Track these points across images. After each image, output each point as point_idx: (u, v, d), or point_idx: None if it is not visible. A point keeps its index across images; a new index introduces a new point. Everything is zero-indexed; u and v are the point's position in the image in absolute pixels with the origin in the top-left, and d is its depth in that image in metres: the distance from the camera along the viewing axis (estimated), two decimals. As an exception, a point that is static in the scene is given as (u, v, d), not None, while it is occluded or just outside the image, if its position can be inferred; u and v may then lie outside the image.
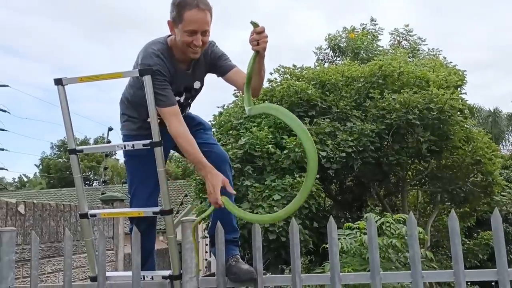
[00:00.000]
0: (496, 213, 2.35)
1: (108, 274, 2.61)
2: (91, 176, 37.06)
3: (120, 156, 35.13)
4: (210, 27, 2.40)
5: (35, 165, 38.21)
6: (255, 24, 2.31)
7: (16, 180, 38.54)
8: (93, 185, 34.93)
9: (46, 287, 2.99)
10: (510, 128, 25.45)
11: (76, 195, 2.69)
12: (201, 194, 8.93)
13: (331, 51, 14.79)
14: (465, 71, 12.53)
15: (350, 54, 13.74)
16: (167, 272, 2.60)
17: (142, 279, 2.55)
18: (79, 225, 4.20)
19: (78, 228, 4.21)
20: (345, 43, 14.14)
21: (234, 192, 2.40)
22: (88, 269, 4.42)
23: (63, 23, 58.32)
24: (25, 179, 38.64)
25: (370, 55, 13.51)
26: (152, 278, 2.61)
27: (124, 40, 61.76)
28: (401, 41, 15.55)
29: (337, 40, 14.37)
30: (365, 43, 13.72)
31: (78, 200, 2.66)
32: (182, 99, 2.60)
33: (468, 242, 14.74)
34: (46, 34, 55.41)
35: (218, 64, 2.61)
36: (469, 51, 54.76)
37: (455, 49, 52.49)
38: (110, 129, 9.27)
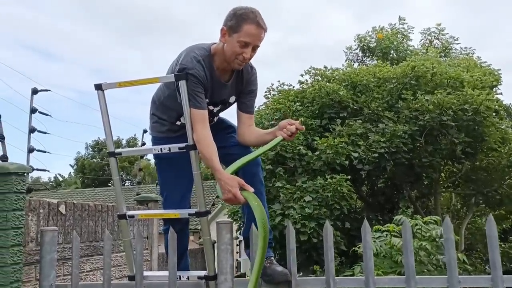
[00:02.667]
0: None
1: (145, 273, 2.67)
2: (123, 176, 37.66)
3: (151, 156, 35.53)
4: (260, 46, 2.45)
5: (70, 165, 39.08)
6: (302, 122, 2.53)
7: (52, 179, 39.49)
8: (125, 185, 35.47)
9: (86, 285, 3.07)
10: None
11: (115, 196, 2.75)
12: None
13: (361, 51, 14.65)
14: (499, 70, 12.24)
15: (379, 54, 13.56)
16: (202, 273, 2.63)
17: (178, 279, 2.59)
18: (116, 225, 4.28)
19: (115, 228, 4.29)
20: (374, 43, 13.97)
21: (253, 189, 2.37)
22: (124, 267, 4.51)
23: (96, 27, 59.63)
24: (60, 179, 39.55)
25: (400, 55, 13.32)
26: (188, 278, 2.65)
27: (154, 43, 62.64)
28: (433, 41, 15.27)
29: (366, 40, 14.21)
30: (394, 43, 13.52)
31: (117, 201, 2.73)
32: (215, 109, 2.63)
33: (503, 245, 14.39)
34: (80, 39, 56.70)
35: (245, 94, 2.66)
36: (504, 49, 53.25)
37: (489, 48, 51.03)
38: (145, 131, 9.46)
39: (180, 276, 2.62)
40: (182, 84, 2.39)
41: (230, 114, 2.87)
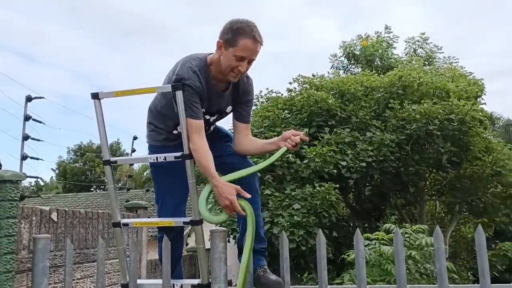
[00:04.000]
0: None
1: (139, 281, 2.67)
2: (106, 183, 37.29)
3: (136, 163, 35.23)
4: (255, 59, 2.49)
5: (52, 169, 38.33)
6: (306, 133, 2.59)
7: (33, 184, 38.78)
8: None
9: (78, 293, 3.07)
10: None
11: (109, 204, 2.76)
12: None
13: (346, 59, 14.77)
14: (482, 79, 12.47)
15: (364, 61, 13.69)
16: (196, 281, 2.64)
17: (172, 287, 2.60)
18: (106, 232, 4.28)
19: (105, 235, 4.29)
20: (359, 51, 14.10)
21: (249, 195, 2.40)
22: (113, 275, 4.50)
23: (78, 31, 58.83)
24: (42, 183, 38.83)
25: (385, 63, 13.45)
26: (181, 286, 2.65)
27: (137, 47, 62.25)
28: (417, 49, 15.47)
29: (351, 48, 14.33)
30: (379, 51, 13.67)
31: (112, 209, 2.73)
32: (212, 119, 2.66)
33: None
34: (62, 42, 56.06)
35: (242, 104, 2.69)
36: (486, 58, 54.12)
37: (472, 57, 51.93)
38: (135, 138, 9.46)
39: (174, 284, 2.62)
40: (179, 94, 2.41)
41: (225, 123, 2.90)
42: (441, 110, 8.93)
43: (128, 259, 2.74)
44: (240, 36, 2.39)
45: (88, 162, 34.86)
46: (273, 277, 2.53)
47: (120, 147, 36.96)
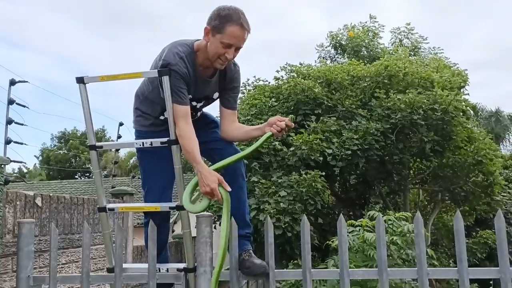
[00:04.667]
0: (500, 214, 2.41)
1: (124, 265, 2.68)
2: (90, 168, 36.81)
3: (123, 150, 34.92)
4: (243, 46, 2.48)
5: (35, 156, 37.74)
6: (292, 119, 2.60)
7: (16, 171, 38.16)
8: (93, 177, 34.66)
9: (64, 277, 3.06)
10: (510, 128, 25.34)
11: (95, 189, 2.75)
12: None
13: (333, 49, 14.78)
14: (466, 70, 12.60)
15: (350, 51, 13.71)
16: (181, 265, 2.66)
17: (158, 271, 2.61)
18: (91, 218, 4.26)
19: (90, 221, 4.28)
20: (346, 41, 14.11)
21: (229, 189, 2.40)
22: (99, 260, 4.50)
23: (63, 14, 57.67)
24: (25, 170, 38.30)
25: (371, 53, 13.48)
26: (167, 270, 2.67)
27: (122, 32, 61.47)
28: (403, 40, 15.53)
29: (338, 38, 14.32)
30: (366, 41, 13.69)
31: (97, 194, 2.72)
32: (198, 105, 2.66)
33: (467, 241, 14.76)
34: (45, 26, 54.99)
35: (228, 91, 2.69)
36: (470, 50, 54.62)
37: (456, 48, 52.36)
38: (121, 124, 9.37)
39: (159, 268, 2.64)
40: (165, 79, 2.40)
41: (212, 110, 2.90)
42: (425, 100, 9.01)
43: (114, 244, 2.74)
44: (227, 23, 2.38)
45: (72, 149, 34.45)
46: (258, 261, 2.55)
47: (105, 134, 36.58)
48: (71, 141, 34.91)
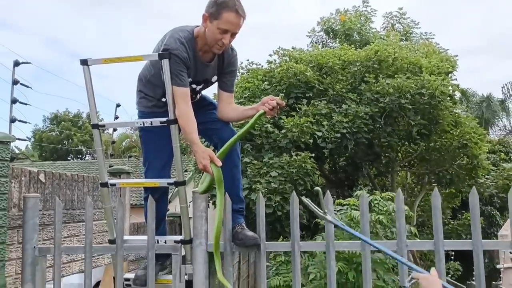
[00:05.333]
0: (474, 191, 2.58)
1: (125, 237, 2.82)
2: (86, 150, 36.52)
3: (118, 130, 34.61)
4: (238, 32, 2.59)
5: (27, 137, 37.37)
6: (283, 98, 2.68)
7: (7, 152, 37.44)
8: (86, 158, 34.40)
9: (68, 248, 3.21)
10: (501, 113, 25.41)
11: (98, 166, 2.88)
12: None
13: (325, 34, 14.78)
14: (456, 56, 12.70)
15: (342, 36, 13.72)
16: (179, 237, 2.81)
17: (157, 242, 2.77)
18: (91, 194, 4.39)
19: (90, 198, 4.41)
20: (338, 26, 14.09)
21: (220, 164, 2.54)
22: (99, 235, 4.64)
23: (53, -6, 56.58)
24: (17, 151, 37.87)
25: (363, 37, 13.51)
26: (165, 242, 2.82)
27: (110, 14, 60.60)
28: (395, 24, 15.54)
29: (330, 23, 14.29)
30: (358, 25, 13.69)
31: (99, 170, 2.85)
32: (198, 88, 2.78)
33: (452, 222, 15.09)
34: (35, 7, 53.98)
35: (226, 74, 2.81)
36: (463, 36, 54.76)
37: (449, 34, 52.42)
38: (118, 105, 9.47)
39: (158, 240, 2.79)
40: (165, 63, 2.53)
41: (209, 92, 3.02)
42: (413, 85, 9.14)
43: (115, 218, 2.88)
44: (223, 10, 2.49)
45: (64, 130, 34.19)
46: (250, 233, 2.71)
47: (99, 116, 36.21)
48: (63, 122, 34.66)
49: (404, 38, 14.59)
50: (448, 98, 9.98)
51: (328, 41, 14.81)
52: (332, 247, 2.68)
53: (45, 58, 56.69)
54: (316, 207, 2.51)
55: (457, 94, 13.25)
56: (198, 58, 2.64)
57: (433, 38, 14.77)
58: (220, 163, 2.54)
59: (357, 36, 13.51)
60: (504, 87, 25.61)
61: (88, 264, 2.81)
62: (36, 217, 2.95)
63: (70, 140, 35.33)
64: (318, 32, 14.81)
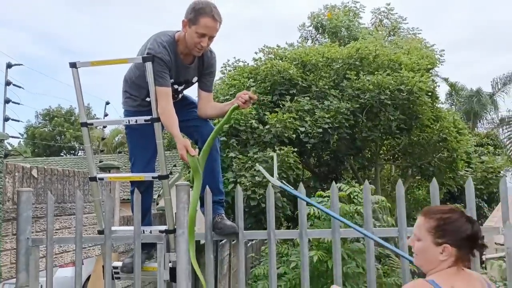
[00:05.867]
0: (470, 181, 2.77)
1: (113, 228, 3.00)
2: (77, 146, 36.33)
3: (108, 128, 34.52)
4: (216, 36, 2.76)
5: (20, 133, 37.12)
6: (254, 92, 2.81)
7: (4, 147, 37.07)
8: (78, 154, 34.27)
9: (60, 238, 3.37)
10: (489, 107, 25.50)
11: (87, 161, 3.05)
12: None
13: (314, 29, 14.91)
14: (443, 50, 12.95)
15: (331, 32, 13.84)
16: (163, 227, 2.98)
17: (142, 232, 2.94)
18: (82, 189, 4.54)
19: (81, 192, 4.56)
20: (327, 21, 14.22)
21: (194, 152, 2.71)
22: (89, 227, 4.80)
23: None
24: (9, 148, 37.54)
25: (352, 33, 13.60)
26: (150, 232, 2.99)
27: (103, 9, 60.23)
28: (383, 20, 15.69)
29: (319, 18, 14.40)
30: (346, 22, 13.80)
31: (88, 165, 3.02)
32: (180, 88, 2.97)
33: (437, 214, 15.36)
34: (27, 2, 53.40)
35: (205, 75, 2.99)
36: (451, 29, 55.31)
37: (438, 28, 52.89)
38: (107, 103, 9.59)
39: (143, 230, 2.96)
40: (148, 65, 2.71)
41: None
42: (392, 81, 9.36)
43: (103, 211, 3.05)
44: (201, 15, 2.68)
45: (57, 126, 34.06)
46: (229, 222, 2.90)
47: (90, 112, 36.26)
48: (55, 118, 34.52)
49: (392, 33, 14.76)
50: (430, 94, 10.22)
51: (317, 36, 14.93)
52: (305, 235, 2.87)
53: (37, 53, 56.25)
54: (268, 174, 2.73)
55: (442, 89, 13.45)
56: (179, 61, 2.82)
57: (420, 33, 14.95)
58: (194, 153, 2.71)
59: (345, 32, 13.64)
60: (493, 81, 25.80)
61: (78, 254, 2.97)
62: (29, 210, 3.10)
63: (62, 136, 35.22)
64: (308, 27, 14.94)
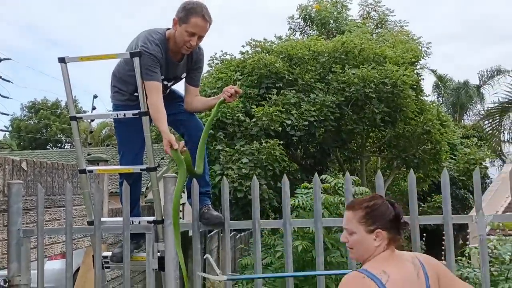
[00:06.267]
0: (445, 172, 2.82)
1: (103, 219, 3.07)
2: (63, 138, 35.91)
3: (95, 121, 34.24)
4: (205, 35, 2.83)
5: (5, 126, 36.56)
6: (239, 86, 2.90)
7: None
8: (65, 147, 33.96)
9: (50, 229, 3.44)
10: (476, 99, 25.62)
11: (76, 154, 3.11)
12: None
13: (303, 21, 14.93)
14: (430, 43, 13.12)
15: (319, 24, 13.87)
16: (151, 218, 3.05)
17: (131, 223, 3.01)
18: (70, 181, 4.59)
19: (70, 184, 4.61)
20: (315, 13, 14.19)
21: (176, 146, 2.71)
22: (78, 219, 4.85)
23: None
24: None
25: (340, 25, 13.66)
26: (139, 222, 3.07)
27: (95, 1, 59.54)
28: (370, 12, 15.75)
29: (308, 10, 14.42)
30: (334, 14, 13.84)
31: (78, 158, 3.06)
32: (169, 84, 3.04)
33: (422, 205, 15.65)
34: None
35: (193, 70, 3.06)
36: (440, 22, 55.71)
37: (426, 20, 53.23)
38: (95, 96, 9.57)
39: (132, 221, 3.03)
40: (136, 60, 2.76)
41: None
42: (376, 75, 9.50)
43: (93, 203, 3.12)
44: (191, 15, 2.74)
45: (42, 119, 33.67)
46: (215, 213, 2.98)
47: (77, 105, 35.94)
48: (41, 110, 34.14)
49: (379, 26, 14.85)
50: (414, 87, 10.38)
51: (306, 29, 14.95)
52: (289, 225, 2.97)
53: (24, 46, 55.48)
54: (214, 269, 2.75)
55: (430, 81, 13.50)
56: (169, 58, 2.89)
57: (407, 25, 15.05)
58: (176, 146, 2.72)
59: (333, 24, 13.68)
60: (480, 73, 25.93)
61: (69, 244, 3.03)
62: (19, 202, 3.15)
63: (48, 129, 34.87)
64: (296, 19, 14.95)
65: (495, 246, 4.24)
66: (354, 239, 1.80)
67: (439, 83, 25.71)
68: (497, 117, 12.40)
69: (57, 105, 34.91)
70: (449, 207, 2.78)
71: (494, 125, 12.53)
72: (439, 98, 25.34)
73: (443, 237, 2.91)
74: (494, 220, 3.01)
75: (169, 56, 2.88)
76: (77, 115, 2.96)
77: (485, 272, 2.70)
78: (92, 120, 14.33)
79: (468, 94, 24.86)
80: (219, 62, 11.48)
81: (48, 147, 34.10)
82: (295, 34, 14.71)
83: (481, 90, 25.70)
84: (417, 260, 1.82)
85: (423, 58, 13.24)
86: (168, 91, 3.12)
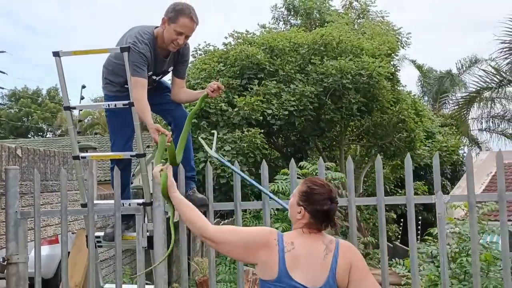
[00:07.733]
0: (408, 157, 3.11)
1: (95, 201, 3.26)
2: (45, 127, 35.33)
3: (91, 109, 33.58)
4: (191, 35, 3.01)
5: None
6: (221, 82, 3.10)
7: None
8: (47, 136, 33.52)
9: (46, 211, 3.61)
10: (455, 88, 25.70)
11: (70, 142, 3.29)
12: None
13: (286, 10, 15.03)
14: (409, 33, 13.38)
15: (303, 13, 13.99)
16: (141, 201, 3.24)
17: (122, 205, 3.21)
18: (61, 167, 4.74)
19: (63, 169, 4.76)
20: (299, 3, 14.30)
21: (166, 132, 2.81)
22: (69, 204, 5.00)
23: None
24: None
25: (323, 15, 13.80)
26: (129, 204, 3.26)
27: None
28: (353, 2, 15.91)
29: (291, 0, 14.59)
30: (317, 3, 14.02)
31: (72, 145, 3.23)
32: (157, 78, 3.23)
33: (400, 191, 16.01)
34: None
35: (180, 64, 3.24)
36: (422, 11, 56.08)
37: (408, 10, 53.54)
38: (83, 86, 9.58)
39: (123, 203, 3.22)
40: (126, 56, 2.94)
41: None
42: (353, 66, 9.76)
43: (86, 189, 3.29)
44: (180, 15, 2.93)
45: (24, 107, 33.13)
46: (200, 195, 3.20)
47: (58, 93, 35.29)
48: (21, 99, 33.57)
49: (361, 16, 15.03)
50: (391, 77, 10.66)
51: (289, 18, 15.04)
52: (267, 205, 3.20)
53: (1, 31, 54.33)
54: (208, 147, 3.10)
55: (415, 72, 13.62)
56: (157, 55, 3.08)
57: (388, 15, 15.23)
58: (164, 131, 2.84)
59: (317, 14, 13.83)
60: (458, 62, 26.03)
61: (64, 225, 3.22)
62: (16, 186, 3.31)
63: (29, 117, 34.33)
64: (280, 8, 15.04)
65: (457, 225, 4.55)
66: (290, 201, 2.09)
67: (419, 72, 25.93)
68: (465, 107, 12.81)
69: (38, 94, 34.35)
70: (411, 189, 3.03)
71: (462, 114, 12.94)
72: (422, 88, 25.60)
73: (419, 222, 3.13)
74: (451, 201, 3.30)
75: (157, 53, 3.07)
76: (71, 106, 3.12)
77: (443, 246, 2.97)
78: (81, 110, 14.35)
79: (452, 83, 25.04)
80: (202, 53, 11.61)
81: (29, 136, 33.60)
82: (278, 23, 14.81)
83: (461, 78, 25.88)
84: (333, 245, 1.99)
85: (403, 48, 13.51)
86: (155, 83, 3.31)
